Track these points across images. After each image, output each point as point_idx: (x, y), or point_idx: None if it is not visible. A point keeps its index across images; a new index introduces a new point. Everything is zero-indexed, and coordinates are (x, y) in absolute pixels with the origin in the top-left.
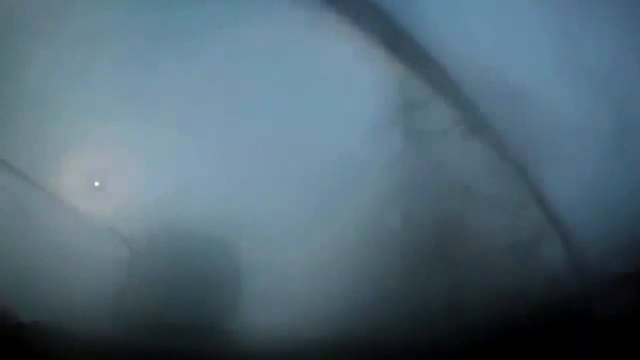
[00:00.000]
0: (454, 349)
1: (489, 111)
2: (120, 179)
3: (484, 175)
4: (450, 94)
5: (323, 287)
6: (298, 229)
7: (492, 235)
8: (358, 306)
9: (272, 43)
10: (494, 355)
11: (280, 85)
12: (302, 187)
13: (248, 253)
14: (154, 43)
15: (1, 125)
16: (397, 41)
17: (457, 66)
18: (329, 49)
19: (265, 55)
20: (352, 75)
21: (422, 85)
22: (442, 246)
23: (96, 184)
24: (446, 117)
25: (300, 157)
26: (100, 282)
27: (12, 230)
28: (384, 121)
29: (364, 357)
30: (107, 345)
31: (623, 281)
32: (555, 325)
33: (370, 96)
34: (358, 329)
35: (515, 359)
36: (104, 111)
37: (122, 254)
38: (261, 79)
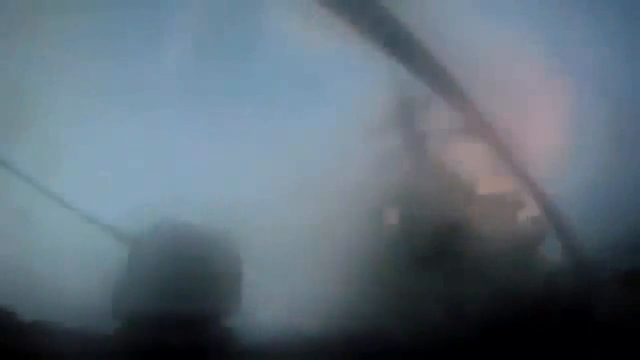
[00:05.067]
0: (453, 348)
1: (489, 111)
2: (120, 179)
3: (484, 175)
4: (450, 94)
5: (323, 285)
6: (298, 228)
7: (492, 235)
8: (358, 304)
9: (271, 43)
10: (494, 354)
11: (279, 85)
12: (302, 187)
13: (247, 251)
14: (155, 41)
15: (1, 126)
16: (397, 41)
17: (457, 66)
18: (329, 49)
19: (265, 55)
20: (352, 75)
21: (422, 85)
22: (441, 246)
23: (96, 184)
24: (446, 117)
25: (299, 156)
26: (99, 282)
27: (12, 230)
28: (384, 121)
29: (363, 355)
30: (107, 343)
31: (623, 279)
32: (555, 323)
33: (370, 96)
34: (357, 327)
35: (516, 358)
36: (103, 112)
37: (122, 253)
38: (260, 79)
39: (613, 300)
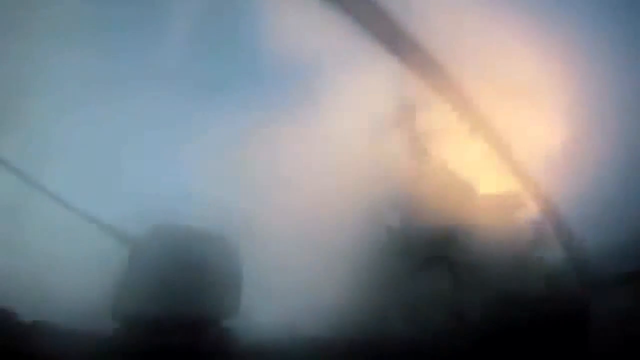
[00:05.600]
0: (454, 349)
1: (489, 111)
2: (120, 179)
3: (484, 175)
4: (450, 94)
5: (323, 286)
6: (298, 228)
7: (492, 235)
8: (358, 305)
9: (271, 43)
10: (494, 354)
11: (279, 86)
12: (302, 187)
13: (248, 252)
14: (154, 35)
15: (1, 125)
16: (397, 41)
17: (457, 66)
18: (328, 48)
19: (265, 55)
20: (352, 75)
21: (422, 85)
22: (442, 246)
23: (95, 184)
24: (446, 117)
25: (299, 156)
26: (99, 283)
27: (10, 231)
28: (384, 121)
29: (363, 355)
30: (107, 344)
31: (623, 281)
32: (555, 325)
33: (372, 96)
34: (358, 328)
35: (515, 359)
36: (102, 111)
37: (122, 254)
38: (260, 80)
39: (614, 302)
